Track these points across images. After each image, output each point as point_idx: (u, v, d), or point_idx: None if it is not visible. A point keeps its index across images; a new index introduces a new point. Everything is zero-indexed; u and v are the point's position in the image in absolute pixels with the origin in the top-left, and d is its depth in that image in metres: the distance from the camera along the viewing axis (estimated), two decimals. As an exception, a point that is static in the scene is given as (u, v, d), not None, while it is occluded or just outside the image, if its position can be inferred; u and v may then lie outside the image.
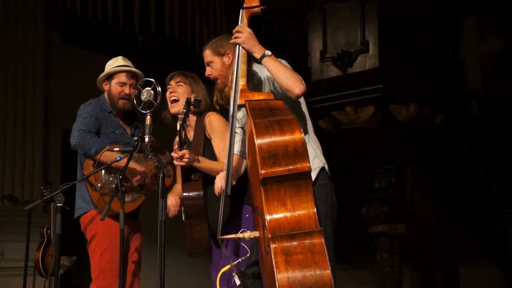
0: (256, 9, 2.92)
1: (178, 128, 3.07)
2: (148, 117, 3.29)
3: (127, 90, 3.60)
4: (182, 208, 3.31)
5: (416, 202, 5.86)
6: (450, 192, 5.98)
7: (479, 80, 7.49)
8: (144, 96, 3.41)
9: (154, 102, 3.28)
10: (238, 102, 2.77)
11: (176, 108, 3.42)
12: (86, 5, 6.44)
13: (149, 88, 3.43)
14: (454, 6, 6.12)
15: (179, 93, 3.44)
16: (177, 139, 3.18)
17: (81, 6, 6.39)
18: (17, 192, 5.77)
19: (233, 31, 2.90)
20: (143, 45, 6.69)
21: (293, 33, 7.62)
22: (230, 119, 2.83)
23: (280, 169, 2.54)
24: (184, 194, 3.27)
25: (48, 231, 5.37)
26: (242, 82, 2.81)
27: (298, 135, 2.55)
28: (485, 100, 6.87)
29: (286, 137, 2.56)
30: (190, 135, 3.47)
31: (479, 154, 6.12)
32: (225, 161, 2.84)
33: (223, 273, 3.11)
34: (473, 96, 6.72)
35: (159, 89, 3.34)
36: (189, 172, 3.26)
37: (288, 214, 2.54)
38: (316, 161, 2.93)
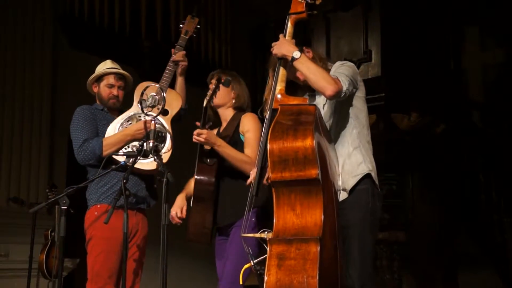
0: (301, 14, 2.93)
1: (204, 105, 3.07)
2: (153, 122, 3.31)
3: (115, 91, 3.69)
4: (192, 192, 3.30)
5: (417, 210, 5.85)
6: (450, 200, 5.97)
7: (481, 90, 7.47)
8: (149, 102, 3.44)
9: (158, 107, 3.31)
10: (273, 106, 2.79)
11: (217, 99, 3.42)
12: (94, 11, 6.44)
13: (154, 94, 3.45)
14: (456, 17, 6.13)
15: (217, 93, 3.41)
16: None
17: (89, 12, 6.40)
18: (22, 194, 5.76)
19: None
20: (149, 51, 6.71)
21: (297, 41, 7.61)
22: (266, 122, 2.83)
23: (289, 174, 2.55)
24: (196, 177, 3.26)
25: (52, 234, 5.36)
26: (279, 87, 2.84)
27: (309, 142, 2.55)
28: (486, 110, 6.86)
29: (298, 143, 2.56)
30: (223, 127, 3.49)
31: (480, 163, 6.11)
32: (256, 163, 2.84)
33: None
34: (474, 105, 6.71)
35: (164, 94, 3.36)
36: (205, 155, 3.26)
37: (295, 219, 2.55)
38: (361, 167, 2.93)
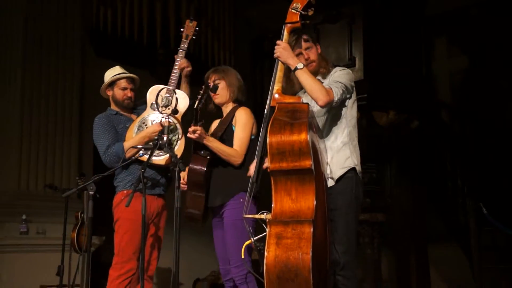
0: (296, 24, 2.88)
1: (194, 106, 3.03)
2: (165, 119, 3.28)
3: (128, 93, 3.64)
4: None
5: (394, 194, 5.83)
6: (422, 186, 5.96)
7: (448, 92, 7.47)
8: (163, 102, 3.44)
9: (170, 106, 3.33)
10: (271, 104, 2.75)
11: (218, 99, 3.38)
12: (116, 24, 6.46)
13: (167, 95, 3.44)
14: (427, 28, 6.10)
15: (217, 94, 3.36)
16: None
17: (112, 25, 6.42)
18: (56, 181, 5.79)
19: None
20: (163, 57, 6.67)
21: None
22: (265, 118, 2.78)
23: (286, 164, 2.53)
24: (190, 165, 3.18)
25: (82, 215, 5.35)
26: (276, 87, 2.80)
27: (303, 136, 2.53)
28: (452, 109, 6.84)
29: (294, 138, 2.54)
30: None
31: (447, 154, 6.09)
32: (256, 154, 2.80)
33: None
34: (443, 105, 6.70)
35: (176, 95, 3.35)
36: (200, 148, 3.21)
37: (291, 204, 2.53)
38: (348, 161, 2.92)
